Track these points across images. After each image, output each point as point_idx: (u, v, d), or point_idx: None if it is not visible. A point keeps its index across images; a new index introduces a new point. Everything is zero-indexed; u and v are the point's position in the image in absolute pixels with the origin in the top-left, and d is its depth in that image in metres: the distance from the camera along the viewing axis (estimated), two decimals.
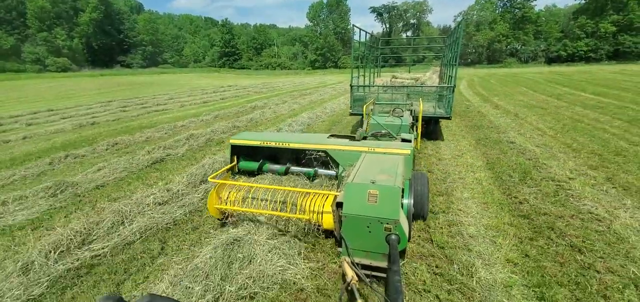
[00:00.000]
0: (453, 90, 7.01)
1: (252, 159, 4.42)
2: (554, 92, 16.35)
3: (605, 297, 2.58)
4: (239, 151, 4.37)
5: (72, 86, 32.37)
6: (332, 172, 4.04)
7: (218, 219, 3.74)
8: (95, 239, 3.58)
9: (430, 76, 13.38)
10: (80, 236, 3.51)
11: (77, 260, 3.24)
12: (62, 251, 3.29)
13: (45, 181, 5.44)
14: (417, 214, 3.44)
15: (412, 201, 2.99)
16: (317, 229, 3.29)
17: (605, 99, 13.18)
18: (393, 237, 2.40)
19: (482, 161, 6.06)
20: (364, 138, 4.54)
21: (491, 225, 3.72)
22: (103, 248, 3.43)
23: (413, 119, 6.14)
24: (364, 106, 5.92)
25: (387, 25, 73.34)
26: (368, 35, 9.94)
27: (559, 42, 54.15)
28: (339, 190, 3.38)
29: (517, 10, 55.73)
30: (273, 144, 4.07)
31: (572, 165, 5.59)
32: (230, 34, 75.99)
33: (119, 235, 3.65)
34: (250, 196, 3.57)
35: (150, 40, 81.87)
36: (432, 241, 3.44)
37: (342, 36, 66.22)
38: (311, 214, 3.22)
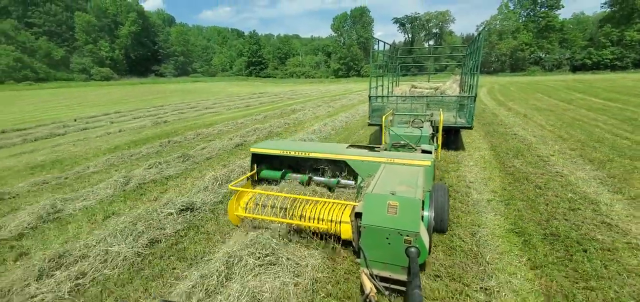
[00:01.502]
0: (474, 100, 6.91)
1: (273, 167, 4.55)
2: (568, 97, 17.66)
3: (545, 204, 4.46)
4: (259, 160, 4.48)
5: (119, 93, 36.06)
6: (352, 182, 4.11)
7: (236, 226, 3.92)
8: (224, 182, 5.77)
9: (450, 85, 13.35)
10: (218, 179, 5.71)
11: (224, 186, 5.43)
12: (219, 183, 5.50)
13: (166, 156, 7.76)
14: (437, 227, 3.44)
15: (432, 214, 3.02)
16: (336, 239, 3.35)
17: (612, 103, 14.48)
18: (413, 249, 2.37)
19: (487, 144, 7.92)
20: (386, 149, 4.59)
21: (485, 177, 5.63)
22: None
23: (433, 130, 6.07)
24: (383, 117, 5.97)
25: (410, 35, 74.86)
26: (386, 46, 10.05)
27: (584, 50, 53.85)
28: (357, 200, 3.43)
29: (540, 19, 55.97)
30: (293, 153, 4.14)
31: (557, 148, 7.35)
32: (258, 44, 79.84)
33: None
34: (270, 204, 3.67)
35: (182, 51, 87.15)
36: (446, 181, 5.40)
37: (364, 45, 68.37)
38: (329, 224, 3.27)
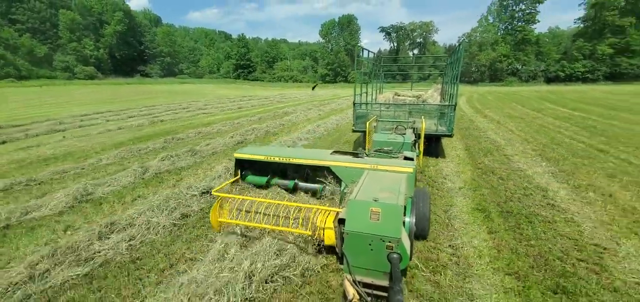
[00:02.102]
0: (454, 109, 7.12)
1: (258, 173, 4.54)
2: (539, 107, 19.19)
3: (505, 191, 5.45)
4: (242, 165, 4.50)
5: (105, 93, 35.83)
6: (316, 186, 4.13)
7: (218, 232, 3.84)
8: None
9: (431, 94, 13.73)
10: (229, 170, 6.46)
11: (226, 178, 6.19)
12: (231, 173, 6.26)
13: (172, 151, 8.42)
14: (418, 233, 3.45)
15: (414, 220, 3.06)
16: (319, 244, 3.36)
17: (577, 113, 15.98)
18: (395, 255, 2.40)
19: (463, 145, 8.97)
20: (369, 155, 4.64)
21: (459, 171, 6.61)
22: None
23: (415, 137, 6.20)
24: (367, 123, 6.02)
25: (395, 44, 76.97)
26: (370, 54, 10.17)
27: (557, 63, 57.01)
28: (341, 206, 3.45)
29: (517, 32, 58.90)
30: (277, 159, 4.15)
31: (521, 149, 8.47)
32: (246, 47, 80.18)
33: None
34: (253, 209, 3.65)
35: (169, 51, 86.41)
36: (425, 174, 6.34)
37: (351, 52, 69.90)
38: (313, 230, 3.29)
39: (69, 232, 4.21)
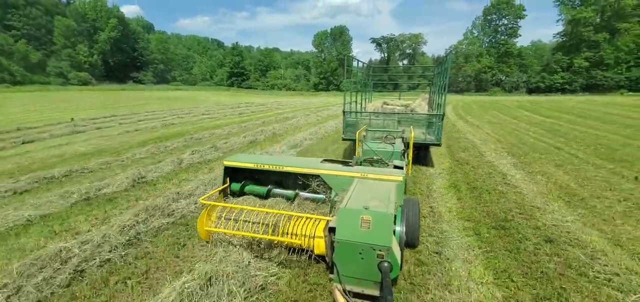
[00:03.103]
0: (442, 118, 7.27)
1: (257, 183, 4.54)
2: (516, 114, 21.09)
3: (474, 176, 6.96)
4: (233, 174, 4.47)
5: (102, 99, 36.56)
6: (320, 196, 4.08)
7: (206, 241, 3.80)
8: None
9: (419, 103, 13.96)
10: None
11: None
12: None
13: (196, 148, 9.72)
14: (408, 242, 3.46)
15: (404, 229, 3.06)
16: (309, 254, 3.35)
17: (548, 119, 17.85)
18: (385, 264, 2.40)
19: (444, 144, 10.50)
20: (359, 164, 4.69)
21: (439, 162, 8.14)
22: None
23: (405, 146, 6.24)
24: (357, 132, 6.10)
25: (386, 54, 79.54)
26: (360, 63, 10.50)
27: (538, 75, 60.14)
28: (331, 215, 3.47)
29: (501, 45, 62.02)
30: (267, 167, 4.16)
31: (493, 147, 10.06)
32: (240, 56, 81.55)
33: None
34: (242, 218, 3.60)
35: (162, 58, 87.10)
36: (413, 167, 7.83)
37: (343, 62, 72.09)
38: (303, 239, 3.28)
39: (140, 201, 5.50)
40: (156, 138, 11.75)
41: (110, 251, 3.72)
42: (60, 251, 3.52)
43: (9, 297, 2.94)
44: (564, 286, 3.16)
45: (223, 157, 8.67)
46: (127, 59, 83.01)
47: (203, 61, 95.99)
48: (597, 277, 3.29)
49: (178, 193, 5.40)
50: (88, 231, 4.24)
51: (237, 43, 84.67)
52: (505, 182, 6.54)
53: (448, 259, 3.66)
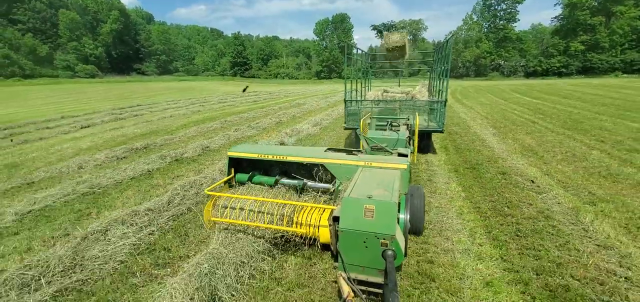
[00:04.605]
0: (445, 104, 7.27)
1: (263, 173, 4.50)
2: (508, 96, 23.04)
3: (461, 140, 9.02)
4: (235, 163, 4.46)
5: (117, 90, 38.34)
6: (327, 185, 4.07)
7: (211, 229, 3.90)
8: (293, 135, 9.96)
9: (419, 90, 14.32)
10: (288, 133, 9.89)
11: (293, 136, 9.61)
12: (290, 135, 9.70)
13: (235, 127, 11.73)
14: (413, 229, 3.53)
15: (408, 216, 3.11)
16: (314, 242, 3.45)
17: (536, 100, 19.81)
18: (389, 252, 2.47)
19: None
20: (362, 152, 4.62)
21: (435, 134, 10.20)
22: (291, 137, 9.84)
23: (410, 133, 6.25)
24: (361, 120, 6.13)
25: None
26: (359, 51, 10.59)
27: (536, 59, 61.69)
28: (335, 204, 3.54)
29: (499, 30, 63.39)
30: (271, 157, 4.18)
31: (480, 122, 12.11)
32: (242, 45, 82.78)
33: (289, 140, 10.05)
34: (247, 208, 3.68)
35: (164, 49, 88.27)
36: None
37: (344, 49, 73.40)
38: (308, 228, 3.35)
39: (212, 163, 7.56)
40: (194, 122, 13.78)
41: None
42: (194, 181, 5.62)
43: (197, 192, 5.01)
44: (503, 191, 5.26)
45: (257, 136, 10.73)
46: (129, 50, 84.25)
47: (204, 51, 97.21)
48: (526, 188, 5.38)
49: None
50: (195, 177, 6.32)
51: (238, 32, 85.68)
52: (484, 145, 8.62)
53: (436, 182, 5.77)
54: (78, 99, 27.85)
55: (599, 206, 4.60)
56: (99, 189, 5.76)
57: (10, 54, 55.81)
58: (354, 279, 2.62)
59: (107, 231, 3.95)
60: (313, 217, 3.41)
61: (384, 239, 2.52)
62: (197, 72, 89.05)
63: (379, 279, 2.63)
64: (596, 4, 58.42)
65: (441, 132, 7.35)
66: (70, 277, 3.18)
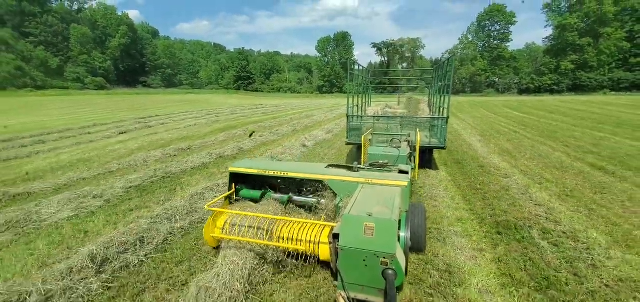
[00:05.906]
0: (446, 121, 7.28)
1: (253, 187, 4.50)
2: (499, 111, 25.05)
3: (452, 145, 10.88)
4: (237, 179, 4.43)
5: (129, 102, 39.87)
6: (332, 202, 4.02)
7: (213, 247, 3.89)
8: (311, 141, 11.79)
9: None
10: (307, 139, 11.71)
11: (311, 141, 11.44)
12: (308, 143, 11.54)
13: (257, 133, 13.55)
14: (414, 246, 3.49)
15: (409, 234, 3.08)
16: (314, 260, 3.41)
17: (523, 115, 21.80)
18: (390, 272, 2.42)
19: None
20: (363, 169, 4.55)
21: None
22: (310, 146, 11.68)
23: (411, 150, 6.21)
24: (363, 136, 6.11)
25: (386, 58, 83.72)
26: (360, 67, 10.93)
27: (528, 76, 64.40)
28: (336, 221, 3.48)
29: (493, 49, 66.32)
30: (272, 173, 4.17)
31: (470, 132, 13.99)
32: (246, 60, 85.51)
33: (303, 149, 11.89)
34: (247, 224, 3.64)
35: (169, 63, 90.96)
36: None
37: (345, 65, 76.12)
38: (307, 245, 3.32)
39: (252, 157, 9.34)
40: (219, 129, 15.60)
41: None
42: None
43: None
44: (478, 177, 7.08)
45: (280, 141, 12.54)
46: (136, 64, 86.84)
47: (208, 65, 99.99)
48: (496, 174, 7.19)
49: (271, 156, 9.28)
50: None
51: (242, 48, 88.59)
52: (469, 148, 10.47)
53: (429, 172, 7.60)
54: (93, 110, 29.26)
55: (544, 185, 6.43)
56: (172, 174, 7.53)
57: (22, 66, 57.96)
58: (353, 299, 2.62)
59: (203, 194, 5.74)
60: (313, 234, 3.42)
61: (384, 257, 2.50)
62: (201, 86, 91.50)
63: (379, 300, 2.62)
64: (584, 25, 61.49)
65: (443, 148, 7.35)
66: (192, 216, 4.95)
